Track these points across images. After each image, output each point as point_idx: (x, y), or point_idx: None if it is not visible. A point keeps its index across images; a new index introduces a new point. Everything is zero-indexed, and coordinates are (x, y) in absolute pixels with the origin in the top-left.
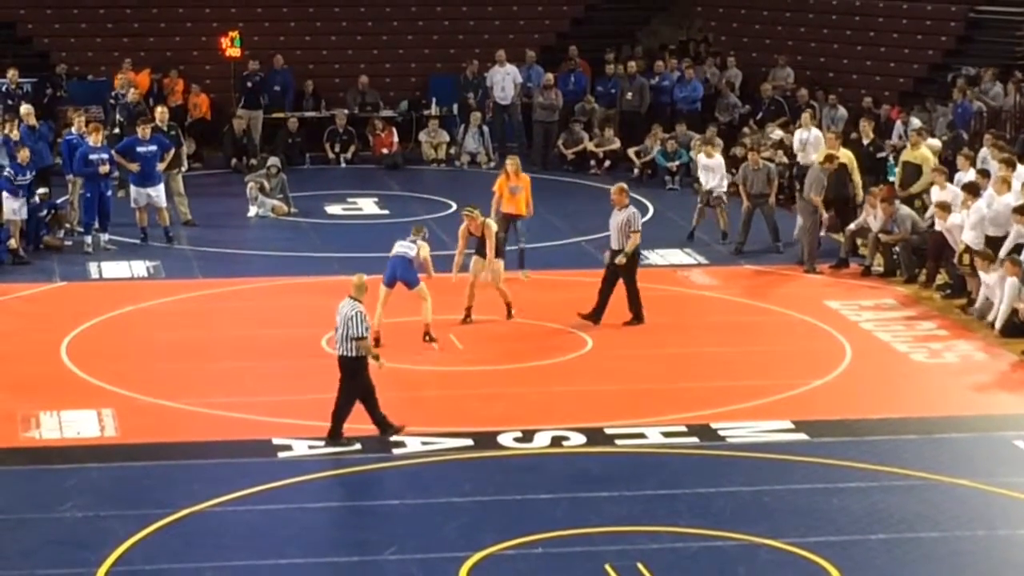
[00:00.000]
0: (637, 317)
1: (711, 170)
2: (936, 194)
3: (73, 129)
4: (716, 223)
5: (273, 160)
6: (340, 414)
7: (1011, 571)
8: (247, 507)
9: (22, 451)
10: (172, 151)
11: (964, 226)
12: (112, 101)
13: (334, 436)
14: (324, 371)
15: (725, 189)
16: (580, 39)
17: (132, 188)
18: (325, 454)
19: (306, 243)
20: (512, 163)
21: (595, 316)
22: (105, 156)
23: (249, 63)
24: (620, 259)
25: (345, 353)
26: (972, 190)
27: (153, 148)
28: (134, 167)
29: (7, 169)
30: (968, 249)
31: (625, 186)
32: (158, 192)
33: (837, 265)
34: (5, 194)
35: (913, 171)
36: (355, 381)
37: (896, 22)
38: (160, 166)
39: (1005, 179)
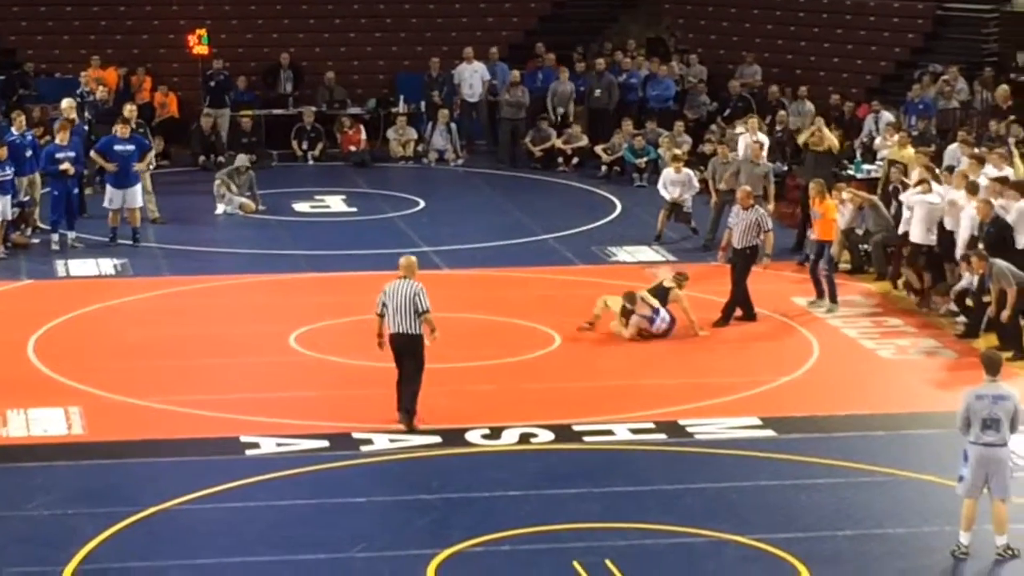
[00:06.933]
0: (725, 319)
1: (678, 184)
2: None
3: (14, 129)
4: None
5: (242, 158)
6: (414, 394)
7: (976, 565)
8: (215, 505)
9: None
10: (151, 151)
11: (913, 220)
12: (79, 99)
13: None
14: (292, 369)
15: (691, 202)
16: (548, 36)
17: (108, 188)
18: (293, 451)
19: (274, 241)
20: (813, 187)
21: (748, 315)
22: (72, 155)
23: (213, 62)
24: (765, 262)
25: (407, 331)
26: (925, 184)
27: (131, 148)
28: (112, 167)
29: None
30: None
31: (749, 188)
32: (133, 193)
33: (804, 262)
34: None
35: (900, 171)
36: (417, 359)
37: (863, 19)
38: (138, 166)
39: (964, 174)
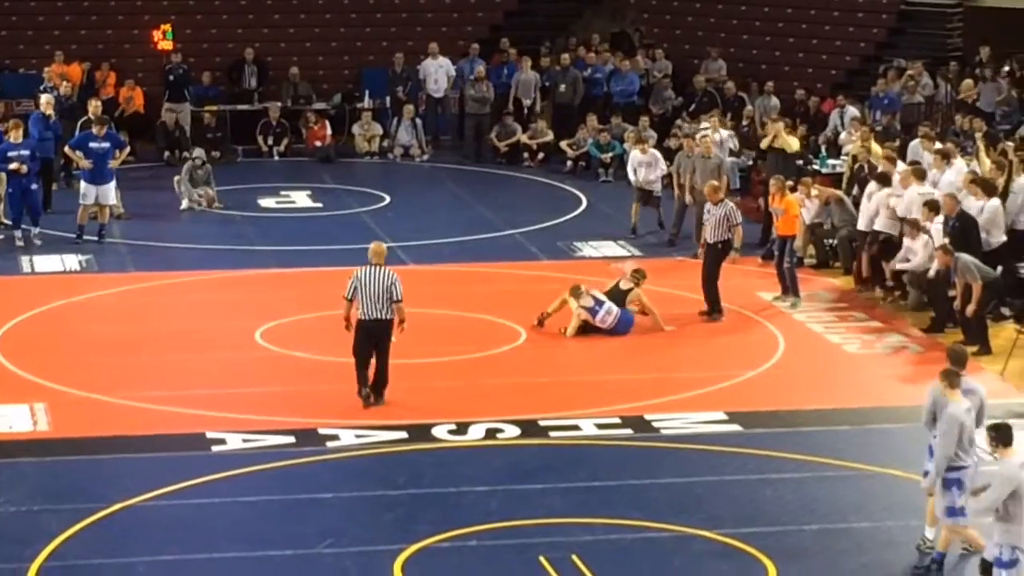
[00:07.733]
0: (715, 310)
1: (647, 165)
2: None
3: None
4: (656, 214)
5: (197, 152)
6: (384, 375)
7: None
8: (181, 501)
9: None
10: (127, 149)
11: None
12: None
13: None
14: (258, 364)
15: (660, 185)
16: (514, 32)
17: (83, 184)
18: (259, 447)
19: (239, 237)
20: (773, 184)
21: (713, 311)
22: (25, 153)
23: (172, 56)
24: (734, 255)
25: (382, 316)
26: (884, 180)
27: (106, 145)
28: (87, 164)
29: None
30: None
31: (716, 183)
32: (107, 190)
33: (767, 257)
34: None
35: (866, 151)
36: (386, 344)
37: (828, 14)
38: (113, 163)
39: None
